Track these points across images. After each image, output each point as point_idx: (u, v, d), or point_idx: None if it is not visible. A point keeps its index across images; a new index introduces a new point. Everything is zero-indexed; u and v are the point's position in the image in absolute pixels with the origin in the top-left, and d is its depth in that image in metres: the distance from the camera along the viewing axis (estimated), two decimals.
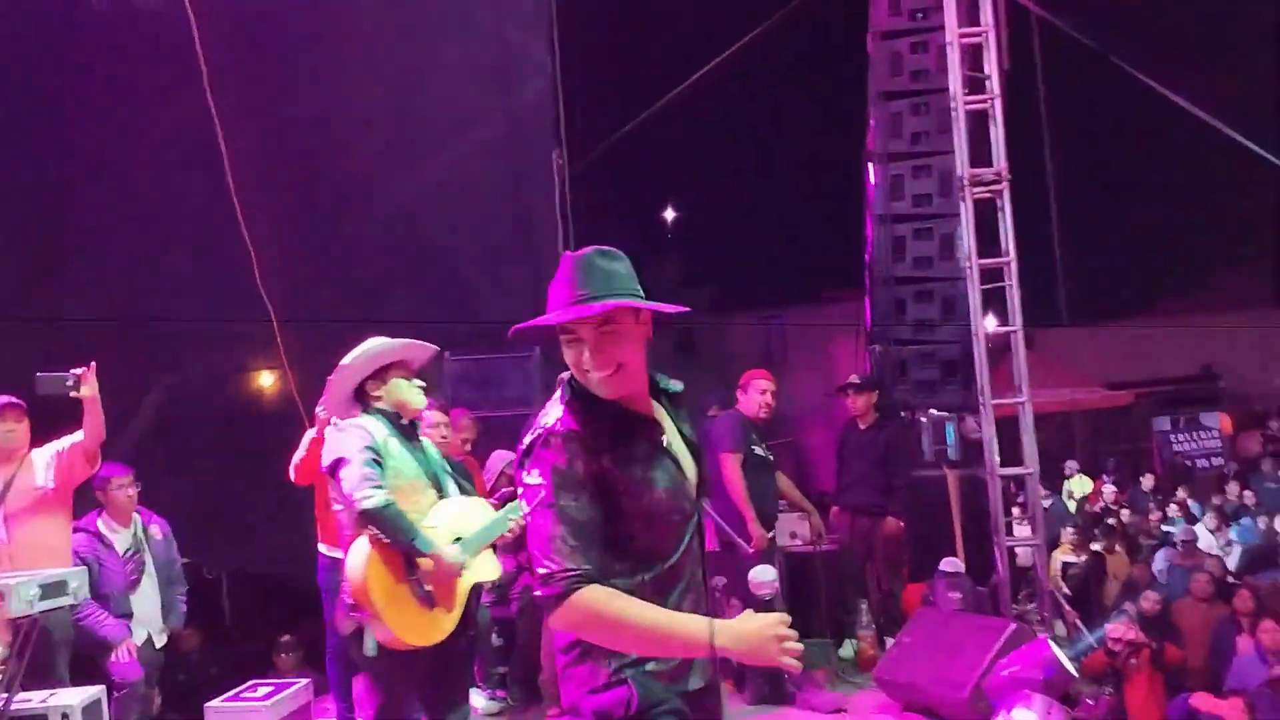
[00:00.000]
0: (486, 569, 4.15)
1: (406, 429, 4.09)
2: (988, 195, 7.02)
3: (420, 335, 4.23)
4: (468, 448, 6.14)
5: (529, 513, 2.18)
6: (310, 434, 5.55)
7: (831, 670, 6.60)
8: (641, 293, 2.28)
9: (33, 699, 4.50)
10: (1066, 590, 8.22)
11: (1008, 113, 7.14)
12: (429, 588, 3.86)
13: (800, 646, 2.17)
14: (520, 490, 2.23)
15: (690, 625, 2.13)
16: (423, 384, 4.22)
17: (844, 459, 7.37)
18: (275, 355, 7.35)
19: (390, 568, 3.81)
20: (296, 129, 7.77)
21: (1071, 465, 13.39)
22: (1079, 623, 6.97)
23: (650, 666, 2.19)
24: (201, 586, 8.17)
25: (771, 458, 6.32)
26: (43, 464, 5.26)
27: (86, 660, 5.42)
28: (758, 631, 2.13)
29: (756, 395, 6.21)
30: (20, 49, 7.26)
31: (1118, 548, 9.18)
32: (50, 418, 5.27)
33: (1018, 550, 7.16)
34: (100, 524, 5.61)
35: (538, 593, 2.15)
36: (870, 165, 8.68)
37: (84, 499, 5.61)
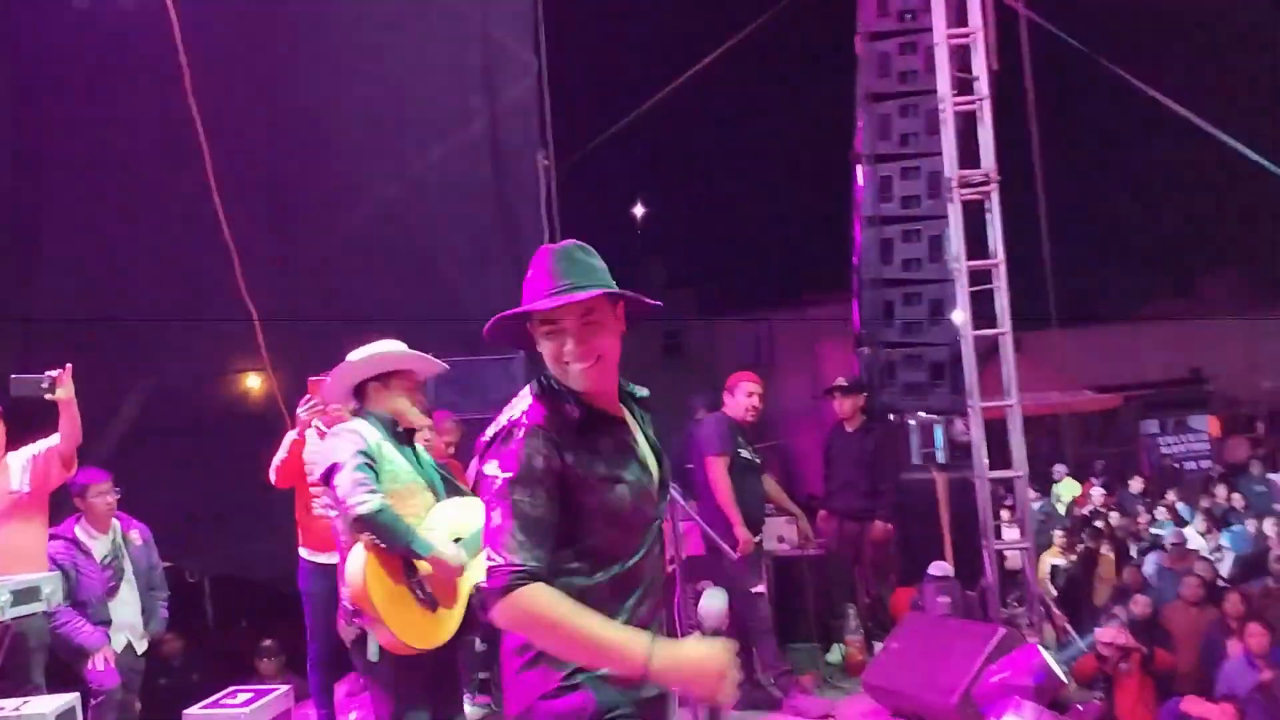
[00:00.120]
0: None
1: (400, 434, 4.05)
2: (976, 197, 6.98)
3: (401, 336, 4.17)
4: (451, 450, 6.07)
5: (485, 503, 2.14)
6: (291, 435, 5.49)
7: (819, 675, 6.56)
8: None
9: (5, 707, 4.41)
10: (1055, 593, 8.20)
11: (996, 114, 7.10)
12: (430, 589, 3.81)
13: (736, 678, 2.07)
14: (478, 480, 2.18)
15: (630, 643, 2.05)
16: (424, 399, 4.20)
17: (831, 462, 7.32)
18: (257, 356, 7.30)
19: (389, 571, 3.77)
20: (279, 128, 7.70)
21: (1060, 469, 13.37)
22: (1068, 626, 6.93)
23: (605, 671, 2.13)
24: (184, 591, 8.10)
25: (758, 461, 6.26)
26: (18, 467, 5.17)
27: (64, 667, 5.35)
28: (698, 661, 2.04)
29: (743, 398, 6.15)
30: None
31: (1106, 551, 9.15)
32: (25, 420, 5.19)
33: (1006, 554, 7.12)
34: (78, 530, 5.52)
35: (483, 584, 2.11)
36: (858, 167, 8.64)
37: (64, 505, 5.54)
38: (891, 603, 7.12)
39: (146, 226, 7.39)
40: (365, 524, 3.72)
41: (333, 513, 4.05)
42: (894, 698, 5.69)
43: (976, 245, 6.97)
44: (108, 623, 5.45)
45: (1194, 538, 9.75)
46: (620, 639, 2.06)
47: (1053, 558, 8.96)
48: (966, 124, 7.17)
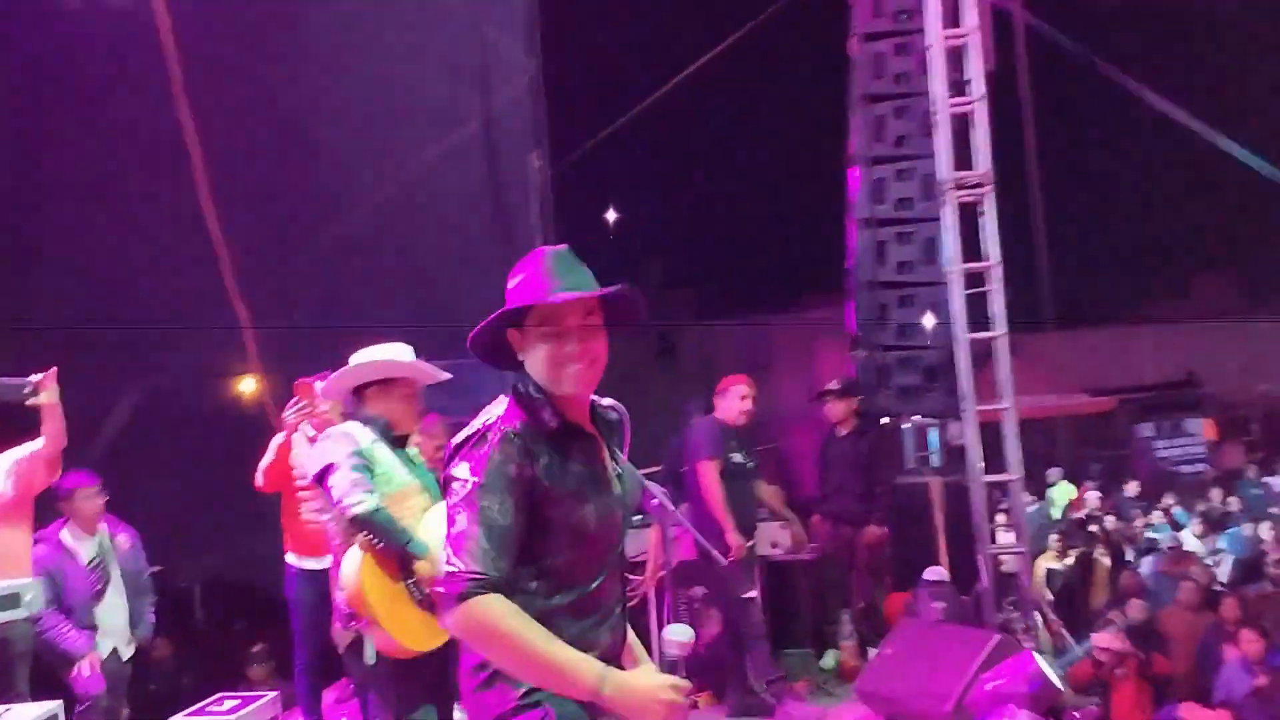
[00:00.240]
0: None
1: (394, 438, 4.01)
2: (971, 199, 6.96)
3: (393, 338, 4.14)
4: (440, 454, 6.01)
5: (449, 509, 2.09)
6: (278, 439, 5.44)
7: (812, 681, 6.52)
8: None
9: None
10: (1050, 598, 8.16)
11: (992, 116, 7.07)
12: (427, 590, 3.77)
13: (685, 714, 2.06)
14: (446, 483, 2.13)
15: (582, 668, 2.02)
16: (421, 406, 4.17)
17: (824, 466, 7.27)
18: (247, 359, 7.25)
19: (386, 573, 3.74)
20: (271, 131, 7.66)
21: (1054, 472, 13.35)
22: (1064, 631, 6.89)
23: None
24: (174, 595, 8.05)
25: (751, 465, 6.20)
26: (1, 472, 5.11)
27: (50, 674, 5.29)
28: (648, 692, 2.02)
29: (735, 401, 6.10)
30: None
31: (1102, 555, 9.11)
32: (9, 423, 5.14)
33: (1001, 558, 7.08)
34: (64, 534, 5.46)
35: (438, 589, 2.05)
36: (853, 169, 8.61)
37: (50, 510, 5.48)
38: (886, 608, 7.07)
39: (138, 230, 7.36)
40: (361, 524, 3.69)
41: (325, 516, 4.02)
42: (888, 704, 5.63)
43: (971, 248, 6.94)
44: (94, 628, 5.39)
45: (1190, 541, 9.72)
46: (573, 662, 2.02)
47: (1048, 562, 8.92)
48: (961, 126, 7.13)
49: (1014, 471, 6.86)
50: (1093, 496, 11.99)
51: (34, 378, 4.74)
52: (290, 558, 5.49)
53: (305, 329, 6.97)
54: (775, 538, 7.06)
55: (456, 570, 2.01)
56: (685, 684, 2.07)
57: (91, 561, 5.50)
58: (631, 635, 2.35)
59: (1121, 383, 14.72)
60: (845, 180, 8.75)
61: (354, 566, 3.73)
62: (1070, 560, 8.96)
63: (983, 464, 6.81)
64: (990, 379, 7.01)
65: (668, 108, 9.73)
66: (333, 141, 7.77)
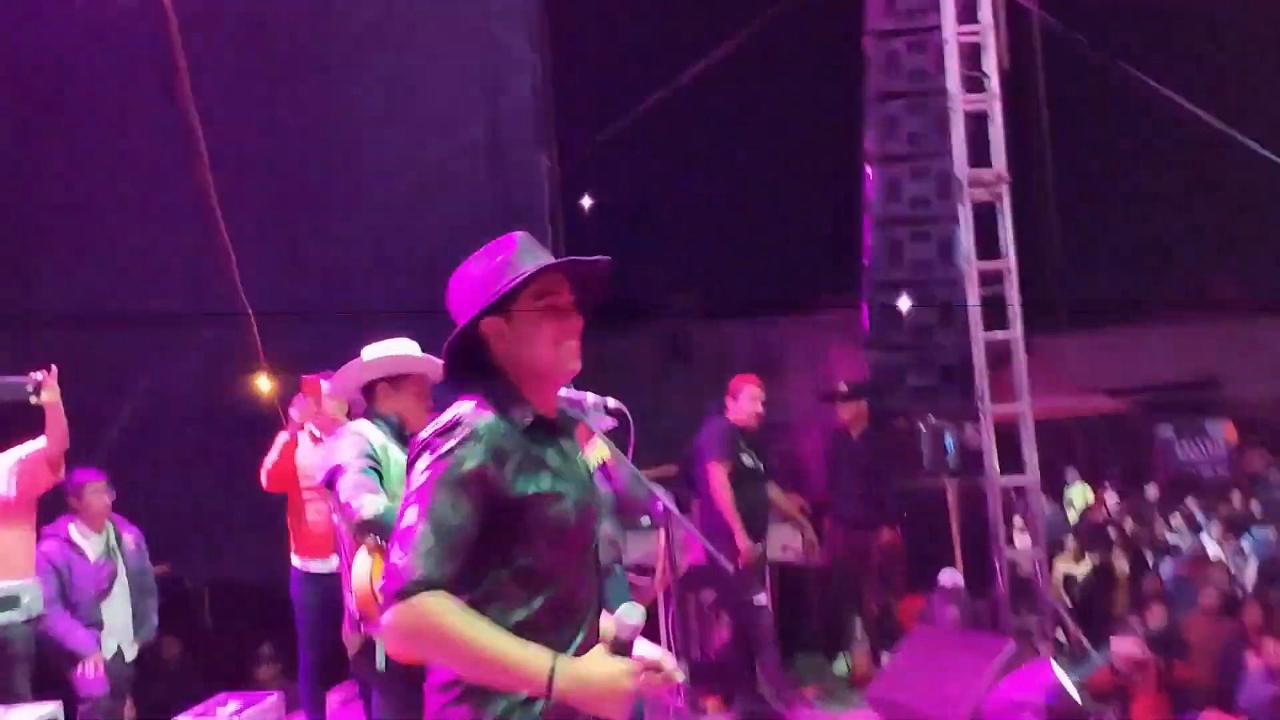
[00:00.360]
0: None
1: (406, 437, 3.95)
2: (987, 197, 6.88)
3: (400, 335, 4.05)
4: None
5: (403, 500, 1.99)
6: (283, 437, 5.40)
7: (823, 687, 6.44)
8: None
9: None
10: (1068, 602, 8.04)
11: (1007, 113, 6.99)
12: None
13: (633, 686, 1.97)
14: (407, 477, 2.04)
15: (532, 660, 1.91)
16: (431, 404, 4.09)
17: (835, 469, 7.19)
18: (255, 357, 7.21)
19: None
20: (277, 127, 7.61)
21: (1071, 474, 13.20)
22: (1082, 637, 6.77)
23: (539, 707, 1.96)
24: (181, 594, 8.02)
25: (762, 467, 6.13)
26: (4, 472, 5.09)
27: (53, 675, 5.26)
28: (605, 680, 1.94)
29: (746, 402, 6.01)
30: None
31: (1120, 559, 8.98)
32: (7, 421, 5.10)
33: (1017, 562, 6.99)
34: (72, 529, 5.43)
35: (380, 585, 1.95)
36: (868, 167, 8.55)
37: (57, 506, 5.45)
38: (899, 613, 6.98)
39: (143, 226, 7.31)
40: (371, 527, 3.61)
41: (335, 518, 3.96)
42: (900, 712, 5.54)
43: (987, 246, 6.86)
44: (99, 625, 5.36)
45: (1210, 545, 9.57)
46: (520, 655, 1.91)
47: (1065, 566, 8.80)
48: (977, 123, 7.05)
49: (1031, 474, 6.78)
50: (1112, 499, 11.85)
51: (35, 376, 4.70)
52: (295, 559, 5.44)
53: (311, 325, 6.91)
54: (786, 541, 6.96)
55: (399, 566, 1.91)
56: (637, 666, 2.00)
57: (99, 558, 5.46)
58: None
59: (1140, 383, 14.54)
60: (859, 179, 8.69)
61: (364, 570, 3.65)
62: (1088, 564, 8.83)
63: (998, 465, 6.73)
64: (1006, 379, 6.92)
65: (678, 106, 9.66)
66: (339, 141, 7.72)
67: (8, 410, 4.99)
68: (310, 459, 5.41)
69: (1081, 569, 8.76)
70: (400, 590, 1.89)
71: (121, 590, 5.54)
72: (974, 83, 7.02)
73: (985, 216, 6.90)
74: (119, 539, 5.62)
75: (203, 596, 8.52)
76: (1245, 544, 9.53)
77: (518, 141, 7.90)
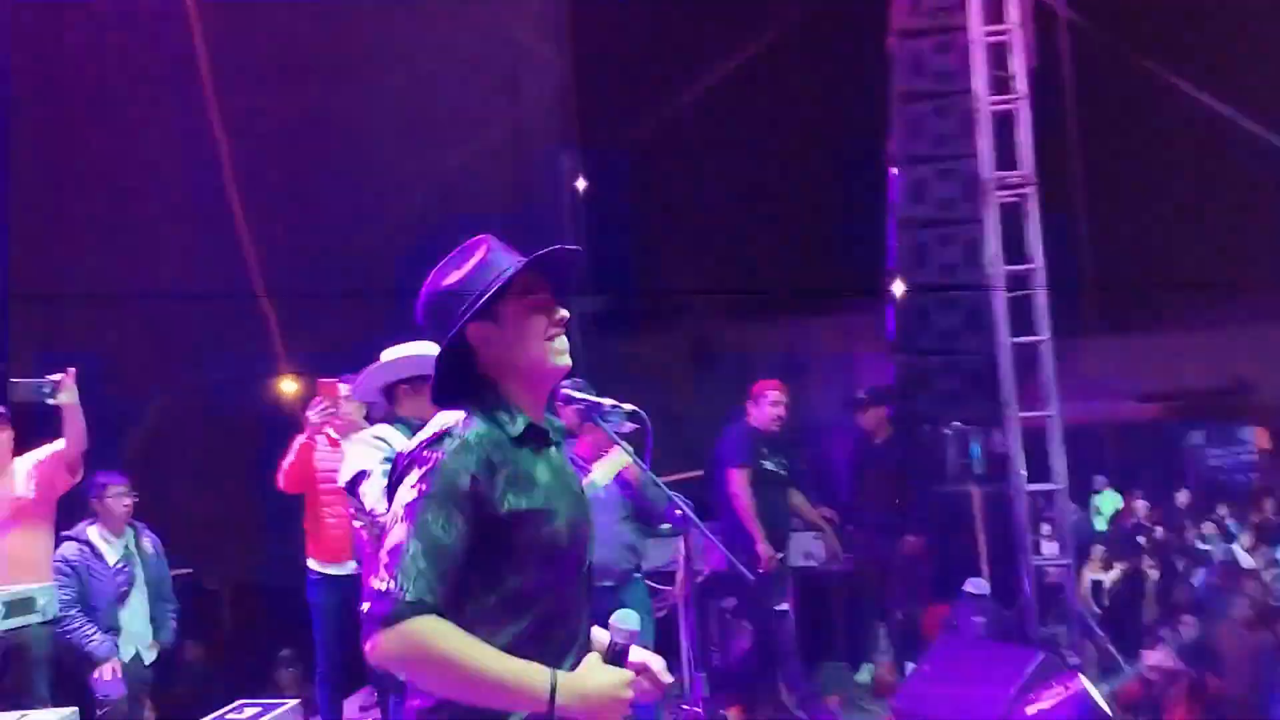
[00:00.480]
0: None
1: None
2: (1014, 199, 6.80)
3: (424, 339, 4.02)
4: None
5: (390, 517, 1.89)
6: (300, 439, 5.37)
7: (846, 697, 6.36)
8: None
9: None
10: (1097, 610, 7.92)
11: (1035, 114, 6.89)
12: None
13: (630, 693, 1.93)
14: (392, 491, 1.94)
15: (530, 678, 1.85)
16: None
17: (859, 475, 7.11)
18: (277, 359, 7.21)
19: None
20: (302, 130, 7.63)
21: (1099, 480, 13.05)
22: (1111, 648, 6.65)
23: None
24: (203, 597, 8.03)
25: (784, 472, 6.05)
26: (24, 473, 5.10)
27: (70, 676, 5.25)
28: (605, 691, 1.89)
29: (767, 406, 5.94)
30: (20, 34, 7.14)
31: (1150, 567, 8.84)
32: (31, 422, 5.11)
33: (1045, 570, 6.88)
34: (92, 533, 5.41)
35: (365, 606, 1.84)
36: (892, 169, 8.46)
37: (72, 513, 5.45)
38: (923, 622, 6.88)
39: (166, 228, 7.33)
40: None
41: (357, 523, 3.93)
42: None
43: (1014, 249, 6.78)
44: (117, 629, 5.34)
45: (1242, 554, 9.40)
46: (519, 673, 1.84)
47: (1093, 574, 8.66)
48: (1004, 124, 6.97)
49: (1058, 480, 6.70)
50: (1141, 506, 11.68)
51: (54, 377, 4.70)
52: (312, 563, 5.41)
53: (335, 328, 6.89)
54: (809, 549, 6.89)
55: (386, 589, 1.81)
56: (632, 675, 1.94)
57: (118, 563, 5.44)
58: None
59: (1170, 388, 14.36)
60: (884, 181, 8.60)
61: None
62: (1116, 572, 8.69)
63: (1025, 472, 6.63)
64: (1034, 384, 6.82)
65: (701, 109, 9.60)
66: (363, 145, 7.72)
67: (27, 412, 5.00)
68: (327, 461, 5.39)
69: (1110, 577, 8.63)
70: (391, 615, 1.80)
71: (139, 595, 5.52)
72: (1001, 83, 6.95)
73: (1012, 219, 6.81)
74: (138, 543, 5.60)
75: (223, 599, 8.53)
76: (1278, 553, 9.36)
77: (541, 142, 7.88)
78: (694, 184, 9.95)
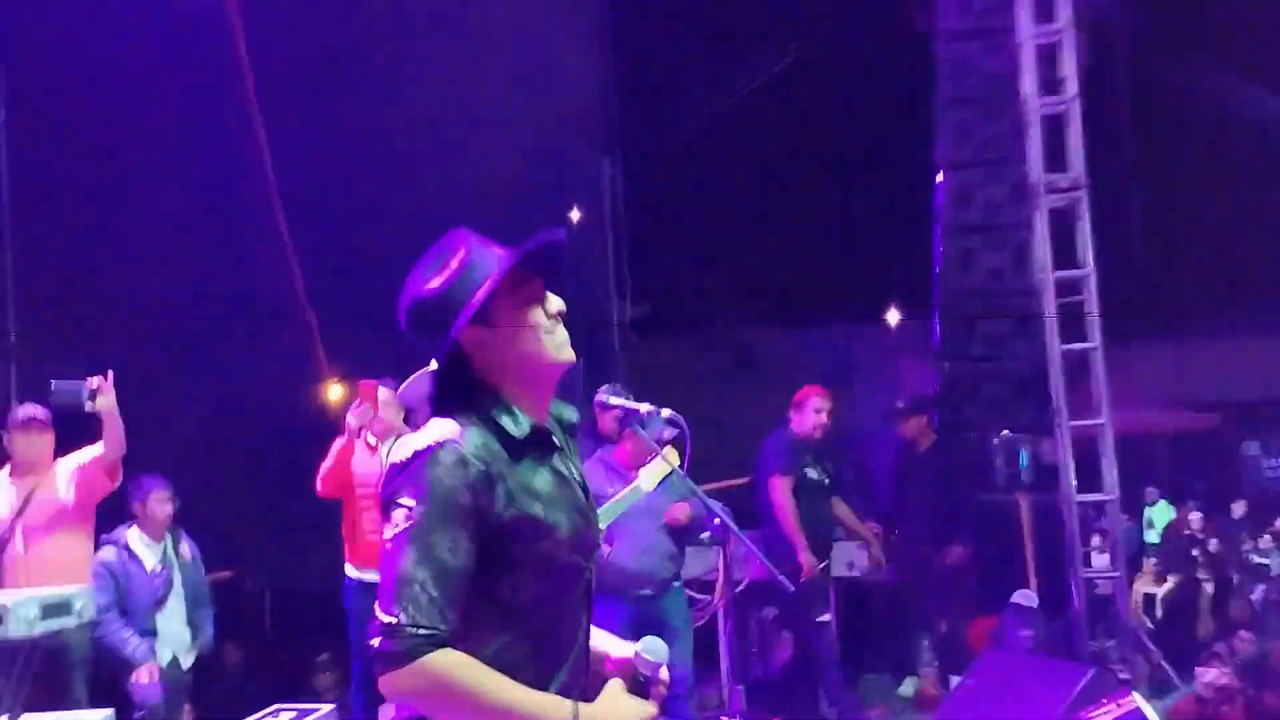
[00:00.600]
0: None
1: None
2: (1064, 203, 6.66)
3: None
4: None
5: (389, 541, 1.76)
6: (340, 442, 5.35)
7: (889, 709, 6.24)
8: None
9: None
10: (1149, 625, 7.73)
11: (1086, 115, 6.75)
12: None
13: None
14: (385, 509, 1.80)
15: (553, 710, 1.76)
16: None
17: (902, 484, 7.00)
18: (317, 362, 7.22)
19: None
20: (340, 132, 7.64)
21: (1152, 491, 12.80)
22: (1165, 664, 6.47)
23: None
24: (243, 600, 8.06)
25: (827, 481, 5.95)
26: (64, 477, 5.11)
27: (109, 682, 5.26)
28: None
29: (811, 414, 5.84)
30: (64, 42, 7.22)
31: (1205, 581, 8.62)
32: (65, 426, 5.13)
33: (1095, 582, 6.72)
34: (131, 537, 5.43)
35: (374, 642, 1.73)
36: (939, 174, 8.35)
37: (116, 515, 5.47)
38: (968, 634, 6.74)
39: (207, 230, 7.37)
40: None
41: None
42: None
43: (1064, 255, 6.64)
44: (154, 633, 5.34)
45: None
46: (540, 705, 1.76)
47: (1145, 587, 8.46)
48: (1053, 127, 6.83)
49: (1110, 490, 6.54)
50: (1195, 518, 11.41)
51: (92, 381, 4.71)
52: (349, 569, 5.39)
53: (373, 330, 6.87)
54: (852, 558, 6.78)
55: (396, 623, 1.70)
56: (655, 709, 1.84)
57: (156, 567, 5.45)
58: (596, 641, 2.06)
59: (1225, 397, 14.06)
60: (930, 186, 8.51)
61: None
62: (1169, 586, 8.49)
63: (1075, 482, 6.48)
64: (1085, 392, 6.68)
65: (744, 111, 9.52)
66: (403, 147, 7.73)
67: (68, 417, 5.02)
68: (365, 466, 5.37)
69: (1163, 591, 8.42)
70: (405, 652, 1.69)
71: (177, 599, 5.52)
72: (1051, 85, 6.81)
73: (1063, 224, 6.69)
74: (177, 548, 5.62)
75: (264, 603, 8.56)
76: None
77: (582, 146, 7.84)
78: (736, 188, 9.87)
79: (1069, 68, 6.75)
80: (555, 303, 1.92)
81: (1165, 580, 8.54)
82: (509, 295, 1.86)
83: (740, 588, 6.19)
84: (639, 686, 1.86)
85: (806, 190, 9.77)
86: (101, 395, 4.73)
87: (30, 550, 4.98)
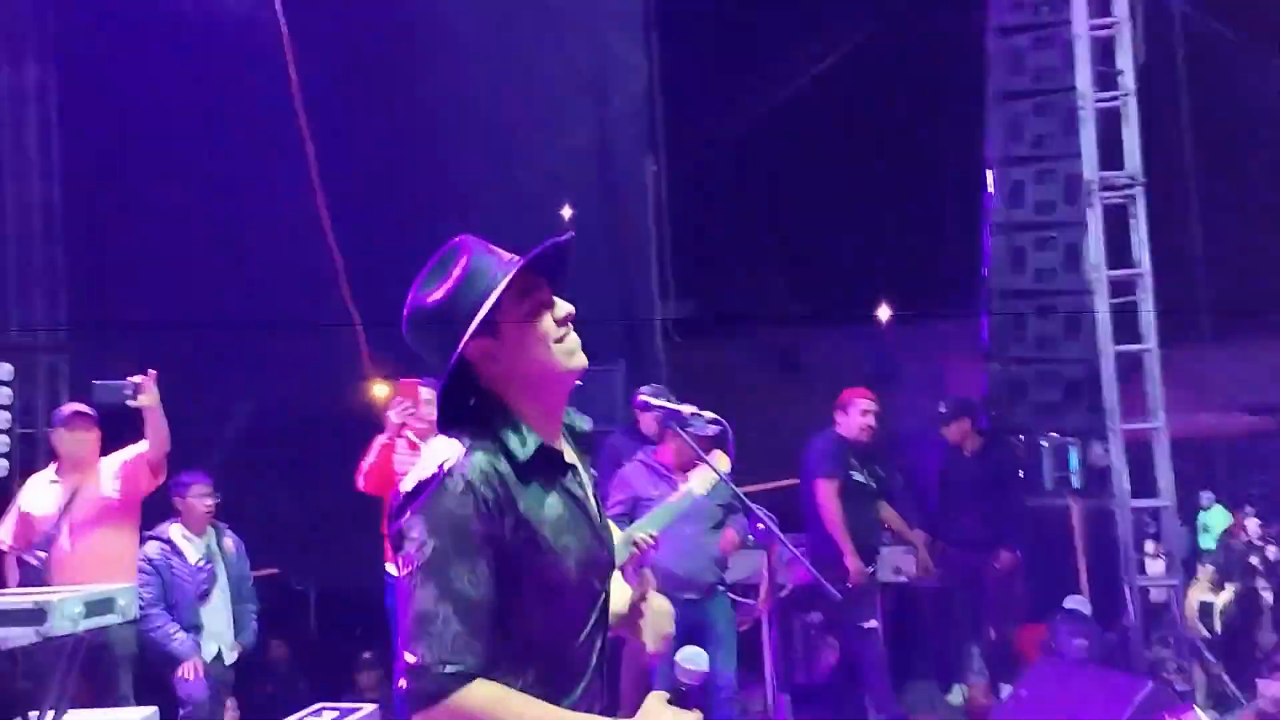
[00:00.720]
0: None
1: None
2: (1119, 200, 6.51)
3: None
4: None
5: (403, 577, 1.71)
6: (381, 439, 5.35)
7: (936, 718, 6.11)
8: None
9: None
10: (1206, 634, 7.51)
11: (1143, 111, 6.59)
12: None
13: None
14: (396, 541, 1.75)
15: None
16: None
17: (947, 488, 6.85)
18: (363, 362, 7.23)
19: None
20: (386, 133, 7.65)
21: (1207, 496, 12.51)
22: (1224, 675, 6.28)
23: None
24: (288, 598, 8.10)
25: (874, 485, 5.84)
26: (110, 474, 5.16)
27: (153, 676, 5.29)
28: None
29: (857, 416, 5.74)
30: (110, 53, 7.30)
31: (1265, 589, 8.37)
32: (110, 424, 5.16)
33: (1150, 590, 6.56)
34: (174, 532, 5.48)
35: (402, 684, 1.68)
36: (988, 170, 8.19)
37: (156, 513, 5.51)
38: (1018, 641, 6.60)
39: (252, 231, 7.41)
40: None
41: None
42: None
43: (1119, 253, 6.49)
44: (198, 628, 5.38)
45: None
46: None
47: (1201, 595, 8.24)
48: (1108, 122, 6.68)
49: (1165, 496, 6.41)
50: (1253, 524, 11.13)
51: (134, 379, 4.73)
52: (390, 567, 5.37)
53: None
54: (899, 564, 6.66)
55: (423, 663, 1.64)
56: (698, 717, 1.77)
57: (199, 561, 5.49)
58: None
59: None
60: (980, 184, 8.36)
61: None
62: (1227, 594, 8.25)
63: (1129, 486, 6.33)
64: (1138, 395, 6.51)
65: (790, 109, 9.40)
66: (448, 147, 7.71)
67: (113, 414, 5.05)
68: (406, 464, 5.36)
69: (1221, 600, 8.19)
70: (434, 693, 1.63)
71: (221, 594, 5.56)
72: (1106, 79, 6.66)
73: (1117, 221, 6.54)
74: (220, 543, 5.64)
75: (308, 600, 8.60)
76: None
77: (626, 146, 7.78)
78: (782, 186, 9.75)
79: (1125, 61, 6.60)
80: (564, 307, 1.84)
81: (1223, 589, 8.30)
82: (514, 303, 1.79)
83: (785, 593, 6.11)
84: (681, 698, 1.80)
85: (853, 188, 9.62)
86: (144, 393, 4.76)
87: (76, 546, 5.04)
